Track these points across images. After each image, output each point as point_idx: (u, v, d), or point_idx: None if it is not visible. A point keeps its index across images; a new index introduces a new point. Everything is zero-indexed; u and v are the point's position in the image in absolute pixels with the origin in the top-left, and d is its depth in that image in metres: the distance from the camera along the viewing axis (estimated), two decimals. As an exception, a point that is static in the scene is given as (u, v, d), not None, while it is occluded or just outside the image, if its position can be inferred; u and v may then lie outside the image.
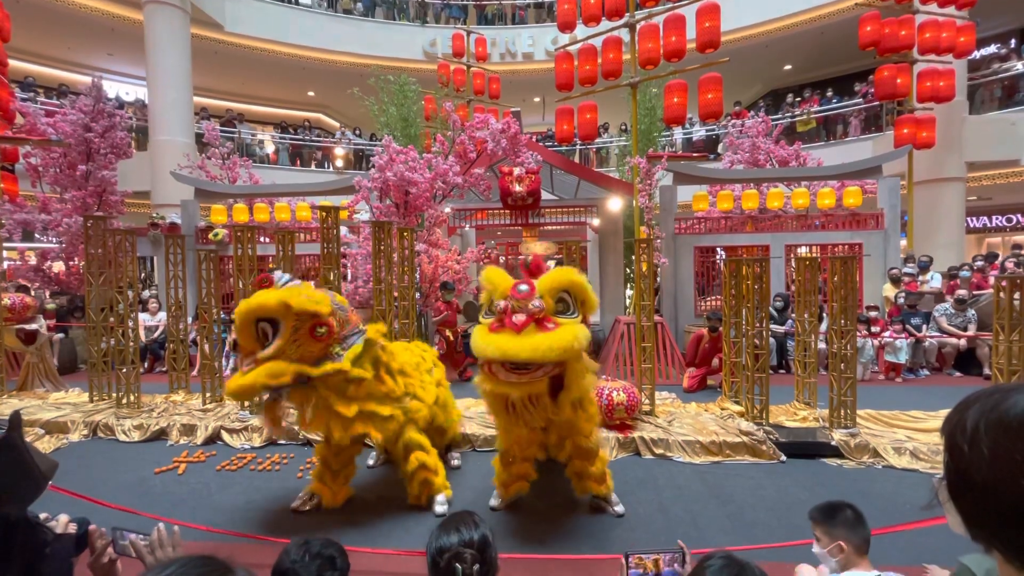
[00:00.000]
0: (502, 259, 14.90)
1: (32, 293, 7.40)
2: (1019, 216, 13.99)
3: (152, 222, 9.06)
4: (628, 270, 9.52)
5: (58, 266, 9.06)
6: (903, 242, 9.35)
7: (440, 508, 3.31)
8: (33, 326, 6.17)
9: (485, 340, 2.63)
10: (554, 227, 10.46)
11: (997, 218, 14.82)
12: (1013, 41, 12.84)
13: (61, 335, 7.82)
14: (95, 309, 5.50)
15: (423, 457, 3.34)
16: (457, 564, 1.35)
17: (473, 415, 4.98)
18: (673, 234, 8.25)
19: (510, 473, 3.34)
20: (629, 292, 10.35)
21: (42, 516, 1.87)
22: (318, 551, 1.49)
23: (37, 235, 8.89)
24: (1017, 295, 4.15)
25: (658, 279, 8.69)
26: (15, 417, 1.45)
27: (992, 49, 12.60)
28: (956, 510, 0.64)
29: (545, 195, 9.33)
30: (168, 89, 11.50)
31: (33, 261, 8.88)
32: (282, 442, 4.69)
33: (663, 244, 7.92)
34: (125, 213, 9.56)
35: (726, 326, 5.32)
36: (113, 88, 14.35)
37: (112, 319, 5.50)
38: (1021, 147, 10.36)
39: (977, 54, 11.06)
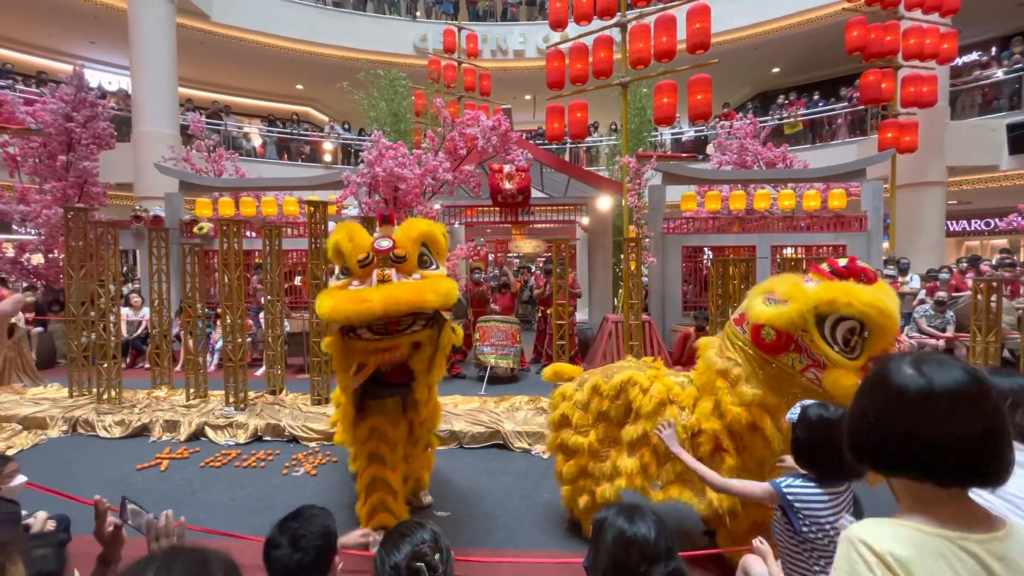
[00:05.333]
0: (491, 256, 14.89)
1: (10, 286, 7.23)
2: (997, 220, 14.30)
3: (135, 215, 8.88)
4: (617, 269, 9.57)
5: (37, 258, 8.85)
6: (885, 244, 9.52)
7: (427, 499, 3.39)
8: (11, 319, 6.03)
9: None
10: (543, 225, 10.48)
11: (976, 222, 15.14)
12: (994, 49, 13.11)
13: (40, 329, 7.65)
14: (75, 303, 5.40)
15: (434, 446, 3.51)
16: (418, 563, 1.22)
17: (461, 412, 4.98)
18: (661, 233, 8.30)
19: None
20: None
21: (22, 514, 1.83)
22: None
23: (15, 226, 8.66)
24: (994, 297, 4.26)
25: (645, 278, 8.74)
26: None
27: (974, 56, 12.85)
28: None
29: (535, 193, 9.33)
30: (152, 79, 11.27)
31: (11, 253, 8.66)
32: (267, 439, 4.65)
33: (651, 243, 7.98)
34: (107, 205, 9.35)
35: (712, 325, 5.38)
36: (95, 77, 14.03)
37: (93, 313, 5.40)
38: (1000, 153, 10.58)
39: (959, 61, 11.26)
